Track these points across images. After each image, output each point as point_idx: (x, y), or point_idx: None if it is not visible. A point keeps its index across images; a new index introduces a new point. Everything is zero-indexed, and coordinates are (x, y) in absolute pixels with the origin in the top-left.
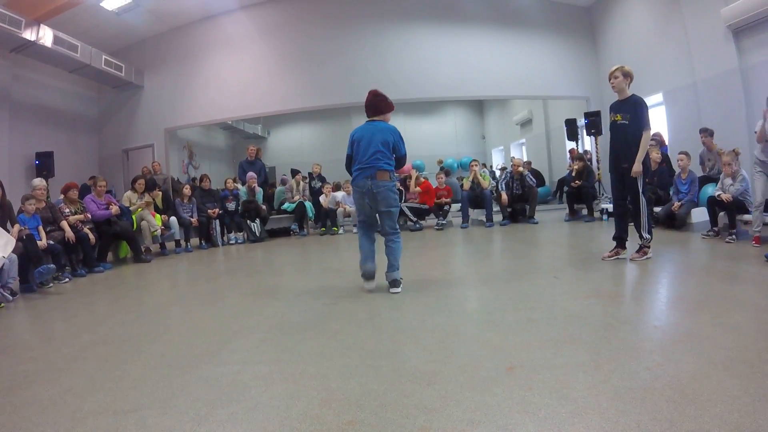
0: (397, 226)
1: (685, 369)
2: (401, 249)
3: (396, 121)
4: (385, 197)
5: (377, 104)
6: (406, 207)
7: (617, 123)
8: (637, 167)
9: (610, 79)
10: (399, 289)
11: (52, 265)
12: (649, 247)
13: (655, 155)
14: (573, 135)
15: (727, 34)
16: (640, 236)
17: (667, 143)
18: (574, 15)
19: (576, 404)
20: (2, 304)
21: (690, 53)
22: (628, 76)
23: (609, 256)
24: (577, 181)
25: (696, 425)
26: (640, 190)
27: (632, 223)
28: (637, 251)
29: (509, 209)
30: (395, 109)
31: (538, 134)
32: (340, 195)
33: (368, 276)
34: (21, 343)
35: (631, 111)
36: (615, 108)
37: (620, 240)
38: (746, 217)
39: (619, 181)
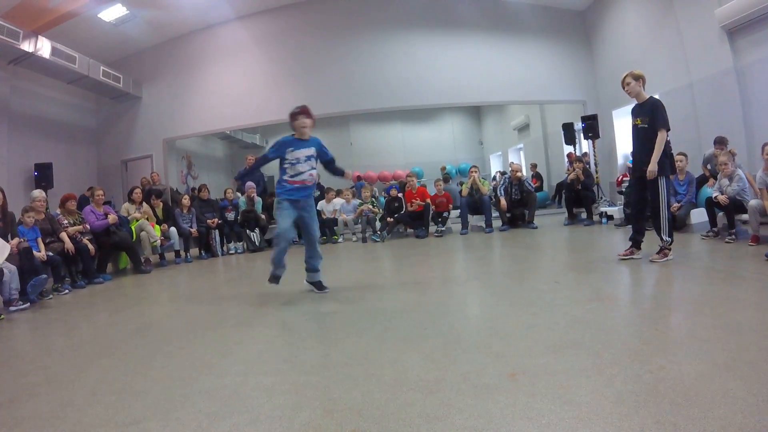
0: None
1: (688, 371)
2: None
3: (393, 127)
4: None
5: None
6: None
7: (638, 127)
8: (652, 167)
9: (623, 87)
10: None
11: (43, 276)
12: (670, 249)
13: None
14: (570, 139)
15: (722, 35)
16: (661, 239)
17: None
18: (568, 19)
19: (579, 409)
20: (2, 316)
21: (685, 54)
22: (639, 78)
23: (624, 255)
24: (579, 178)
25: (700, 427)
26: (662, 193)
27: (652, 227)
28: (658, 252)
29: (508, 214)
30: (392, 116)
31: (535, 139)
32: (339, 202)
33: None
34: (21, 355)
35: (649, 114)
36: (635, 112)
37: (636, 241)
38: (744, 217)
39: (639, 183)
